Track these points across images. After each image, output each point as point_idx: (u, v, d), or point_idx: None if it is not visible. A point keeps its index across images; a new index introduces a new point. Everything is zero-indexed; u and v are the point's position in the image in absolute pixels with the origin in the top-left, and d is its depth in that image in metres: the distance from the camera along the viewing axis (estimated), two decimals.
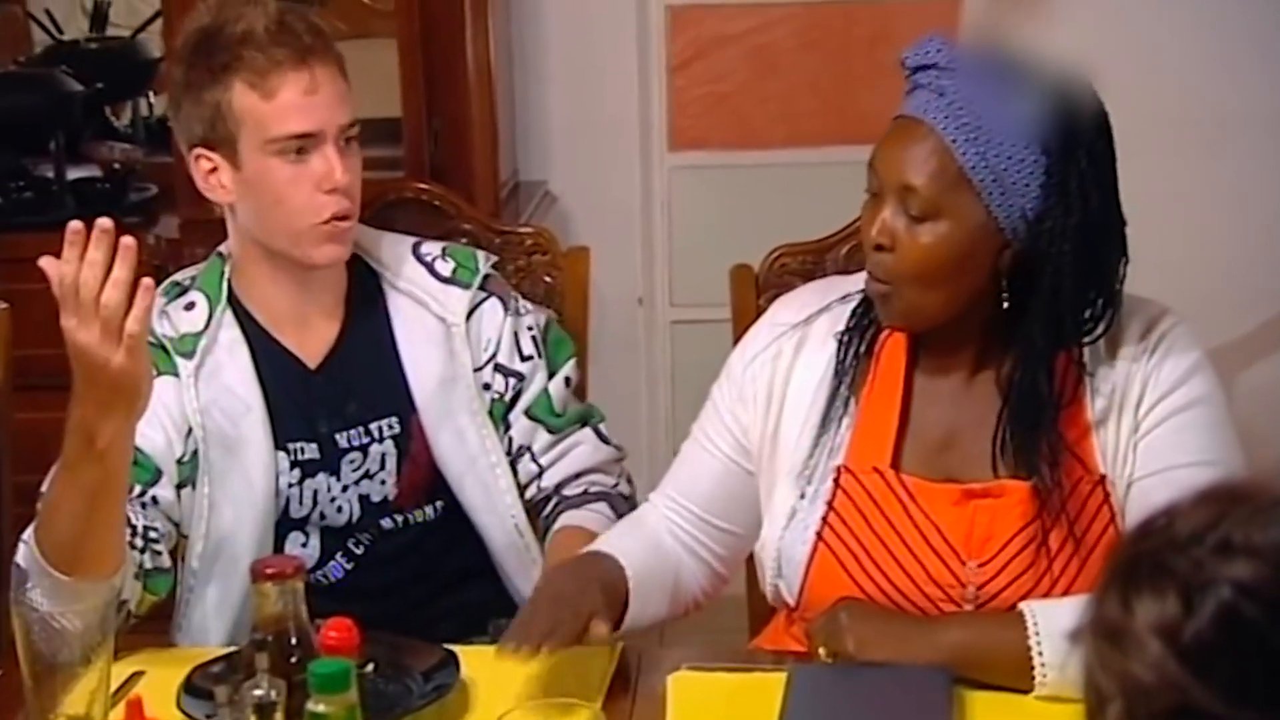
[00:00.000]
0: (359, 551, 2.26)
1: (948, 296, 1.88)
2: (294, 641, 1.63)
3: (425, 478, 2.27)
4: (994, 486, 1.92)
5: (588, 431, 2.36)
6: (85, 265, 1.73)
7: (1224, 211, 3.78)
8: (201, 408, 2.17)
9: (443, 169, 3.36)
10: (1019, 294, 1.88)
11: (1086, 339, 1.91)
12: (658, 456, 4.12)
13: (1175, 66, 3.66)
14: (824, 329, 2.03)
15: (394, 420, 2.24)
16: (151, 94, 3.98)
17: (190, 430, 2.16)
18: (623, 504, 2.34)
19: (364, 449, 2.24)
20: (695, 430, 2.13)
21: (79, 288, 1.73)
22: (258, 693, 1.53)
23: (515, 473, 2.31)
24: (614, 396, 3.13)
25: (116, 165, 3.63)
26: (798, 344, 2.04)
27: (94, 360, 1.75)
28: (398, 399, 2.24)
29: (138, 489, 2.10)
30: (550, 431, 2.32)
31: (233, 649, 1.98)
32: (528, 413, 2.31)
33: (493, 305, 2.30)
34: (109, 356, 1.74)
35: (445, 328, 2.25)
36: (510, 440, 2.31)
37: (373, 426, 2.24)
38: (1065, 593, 1.91)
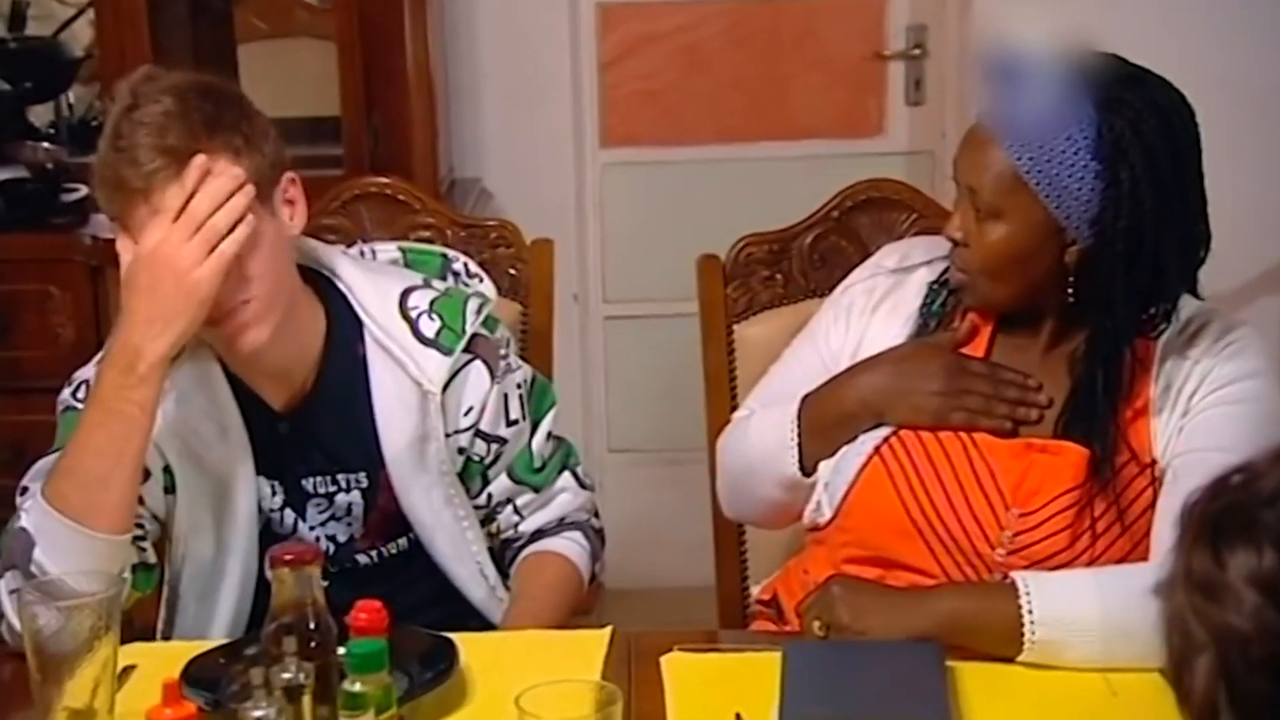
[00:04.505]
0: (334, 570, 2.19)
1: (1016, 288, 2.01)
2: (313, 626, 1.63)
3: (393, 523, 2.23)
4: (1054, 445, 2.01)
5: (568, 477, 2.32)
6: (201, 195, 1.92)
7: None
8: (172, 429, 2.11)
9: (382, 167, 3.36)
10: (1086, 288, 1.97)
11: (1144, 336, 2.00)
12: (593, 451, 4.15)
13: (1175, 46, 3.67)
14: (921, 278, 2.14)
15: (362, 475, 2.19)
16: (71, 94, 3.94)
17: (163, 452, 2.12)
18: (595, 536, 2.34)
19: (330, 497, 2.20)
20: (786, 353, 2.22)
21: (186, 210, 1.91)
22: (286, 676, 1.54)
23: (494, 519, 2.29)
24: None
25: (49, 166, 3.58)
26: (892, 286, 2.15)
27: (178, 264, 1.91)
28: (367, 455, 2.18)
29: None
30: (535, 490, 2.29)
31: (225, 641, 2.00)
32: (510, 474, 2.27)
33: (478, 371, 2.20)
34: (198, 260, 1.91)
35: (421, 392, 2.16)
36: (489, 496, 2.27)
37: (340, 478, 2.19)
38: (1094, 559, 1.99)
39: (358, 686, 1.54)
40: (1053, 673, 1.88)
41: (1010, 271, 2.00)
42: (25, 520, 1.97)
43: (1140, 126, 1.90)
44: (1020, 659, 1.89)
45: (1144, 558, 1.97)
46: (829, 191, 2.53)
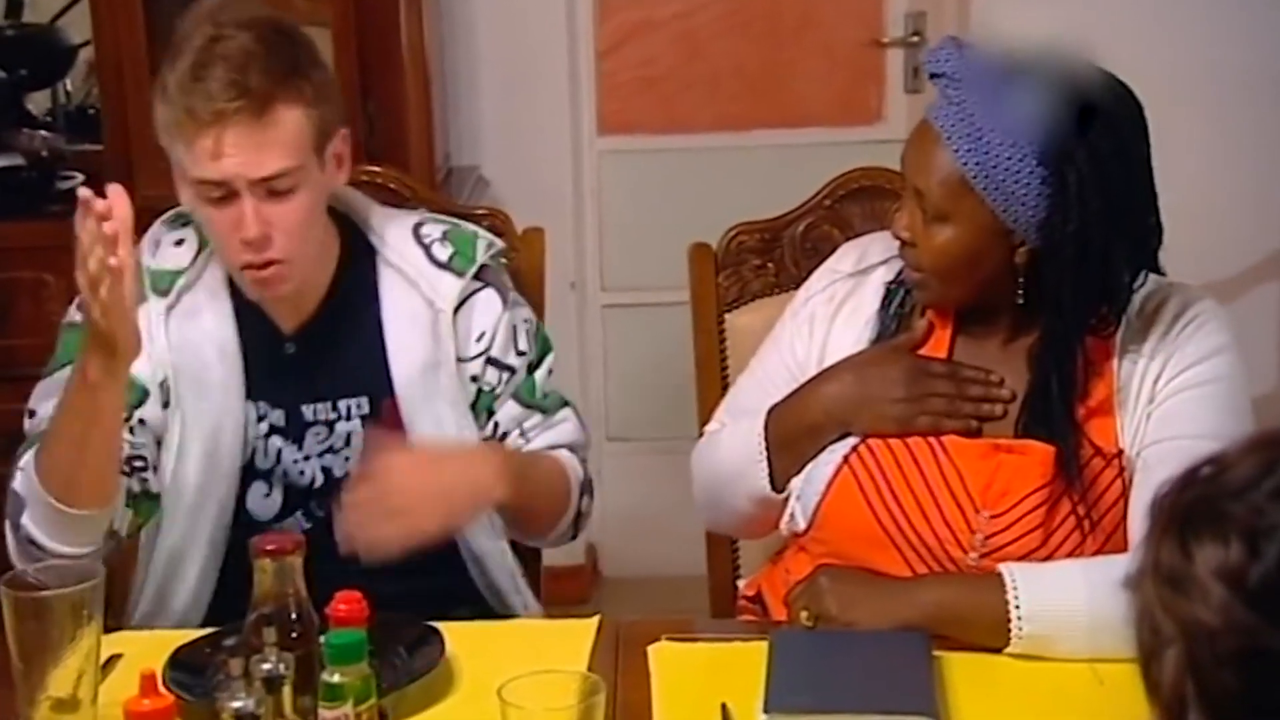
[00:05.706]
0: (320, 513, 2.22)
1: (968, 288, 2.01)
2: (294, 617, 1.63)
3: None
4: (1019, 444, 1.99)
5: (569, 411, 2.35)
6: (84, 232, 1.85)
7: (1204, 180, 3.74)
8: (173, 345, 2.16)
9: (379, 155, 3.35)
10: (1035, 289, 1.96)
11: (1096, 335, 1.98)
12: (592, 440, 4.13)
13: (1173, 39, 3.65)
14: (879, 279, 2.13)
15: (363, 401, 2.21)
16: (68, 81, 3.94)
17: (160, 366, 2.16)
18: (586, 478, 2.35)
19: (330, 425, 2.22)
20: (753, 363, 2.21)
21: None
22: (266, 666, 1.53)
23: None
24: None
25: (44, 154, 3.58)
26: (851, 289, 2.14)
27: (84, 305, 1.90)
28: (373, 380, 2.20)
29: (124, 412, 2.09)
30: (543, 412, 2.30)
31: (210, 630, 1.99)
32: (517, 397, 2.29)
33: (488, 296, 2.26)
34: (91, 306, 1.88)
35: (433, 313, 2.21)
36: (496, 424, 2.28)
37: (341, 404, 2.21)
38: (1067, 556, 1.97)
39: (336, 677, 1.54)
40: (1040, 662, 1.88)
41: (960, 272, 1.98)
42: (17, 483, 2.05)
43: (1085, 130, 1.87)
44: (1008, 651, 1.89)
45: (1118, 549, 1.96)
46: (827, 179, 2.52)
